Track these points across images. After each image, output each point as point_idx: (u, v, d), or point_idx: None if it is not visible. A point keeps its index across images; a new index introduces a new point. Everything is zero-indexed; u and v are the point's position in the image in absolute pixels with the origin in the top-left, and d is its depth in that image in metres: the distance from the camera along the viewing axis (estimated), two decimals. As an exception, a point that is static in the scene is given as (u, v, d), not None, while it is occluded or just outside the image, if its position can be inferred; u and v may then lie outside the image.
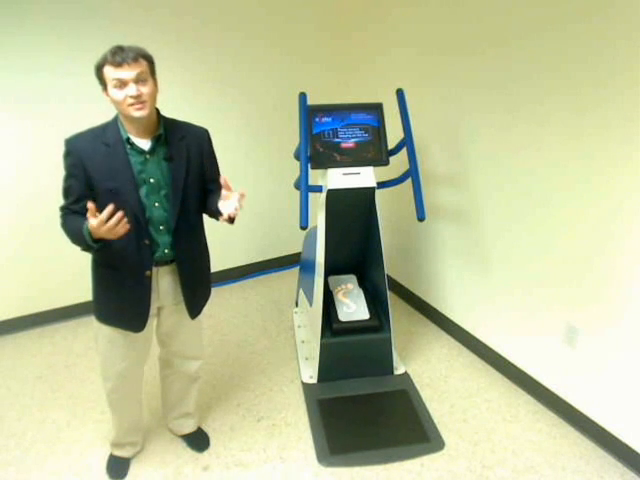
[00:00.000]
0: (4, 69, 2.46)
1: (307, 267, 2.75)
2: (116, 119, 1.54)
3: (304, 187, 2.17)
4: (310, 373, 2.48)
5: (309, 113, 2.23)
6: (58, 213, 1.57)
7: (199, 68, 2.97)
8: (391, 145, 2.34)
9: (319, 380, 2.43)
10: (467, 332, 2.73)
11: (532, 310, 2.29)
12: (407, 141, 2.28)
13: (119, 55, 1.39)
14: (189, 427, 2.10)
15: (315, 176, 2.31)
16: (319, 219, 2.36)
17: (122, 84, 1.41)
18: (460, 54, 2.40)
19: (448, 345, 2.80)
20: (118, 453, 2.00)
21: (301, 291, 2.95)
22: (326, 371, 2.42)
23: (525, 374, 2.39)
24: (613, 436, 2.02)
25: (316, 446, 2.08)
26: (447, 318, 2.88)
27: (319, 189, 2.31)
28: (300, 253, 3.08)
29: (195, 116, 3.06)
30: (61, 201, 1.57)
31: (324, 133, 2.26)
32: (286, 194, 3.41)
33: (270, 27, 3.10)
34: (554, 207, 2.08)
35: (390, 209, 3.15)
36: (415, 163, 2.27)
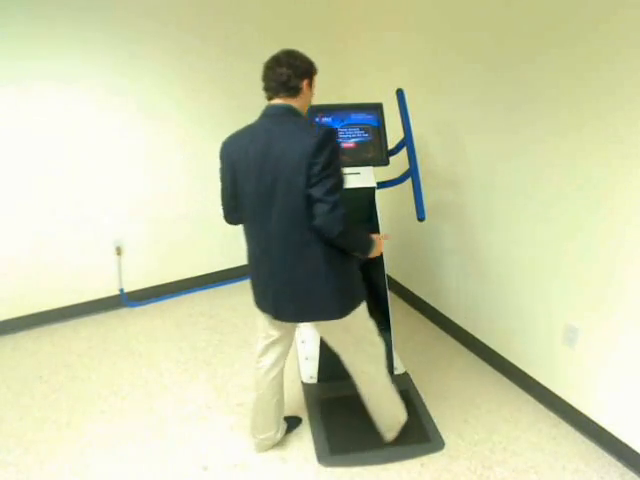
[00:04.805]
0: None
1: (307, 267, 2.75)
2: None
3: (304, 187, 2.17)
4: (310, 373, 2.48)
5: (309, 113, 2.23)
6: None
7: (201, 65, 2.97)
8: (391, 145, 2.34)
9: (319, 380, 2.43)
10: (467, 332, 2.73)
11: (532, 310, 2.29)
12: (407, 141, 2.28)
13: None
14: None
15: (315, 176, 2.30)
16: (319, 219, 2.35)
17: None
18: (462, 53, 2.40)
19: (448, 345, 2.80)
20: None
21: (301, 291, 2.95)
22: (326, 371, 2.41)
23: (525, 374, 2.39)
24: (613, 436, 2.02)
25: (316, 446, 2.08)
26: (447, 318, 2.88)
27: (319, 189, 2.30)
28: (300, 253, 3.07)
29: (195, 116, 3.06)
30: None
31: (324, 133, 2.25)
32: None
33: (269, 27, 3.10)
34: (555, 206, 2.08)
35: (390, 209, 3.15)
36: (415, 163, 2.27)
